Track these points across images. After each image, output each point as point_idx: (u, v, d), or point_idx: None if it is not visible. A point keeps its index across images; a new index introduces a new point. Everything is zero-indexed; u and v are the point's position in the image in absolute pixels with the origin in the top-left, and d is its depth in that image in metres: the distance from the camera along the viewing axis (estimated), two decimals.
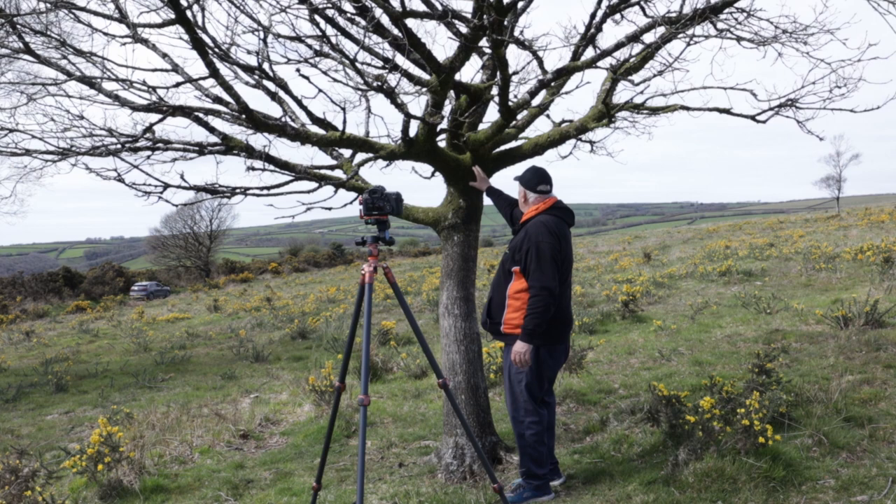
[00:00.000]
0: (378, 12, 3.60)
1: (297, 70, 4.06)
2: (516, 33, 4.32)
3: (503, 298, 4.19)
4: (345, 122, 3.94)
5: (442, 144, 4.77)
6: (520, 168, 4.67)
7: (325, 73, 4.31)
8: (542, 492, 4.15)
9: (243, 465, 5.49)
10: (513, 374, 4.15)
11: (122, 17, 4.21)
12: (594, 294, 13.93)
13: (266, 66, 3.95)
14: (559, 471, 4.45)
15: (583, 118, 4.95)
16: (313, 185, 4.97)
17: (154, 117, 4.49)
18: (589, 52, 4.82)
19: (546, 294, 3.95)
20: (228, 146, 4.64)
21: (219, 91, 4.14)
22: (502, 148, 4.95)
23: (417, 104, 8.59)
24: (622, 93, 5.16)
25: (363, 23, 3.81)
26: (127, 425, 6.68)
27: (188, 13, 3.44)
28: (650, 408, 5.11)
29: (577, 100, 6.07)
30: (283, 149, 57.63)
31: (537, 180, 4.25)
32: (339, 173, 5.18)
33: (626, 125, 5.69)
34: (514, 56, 31.29)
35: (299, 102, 4.32)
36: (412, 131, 4.34)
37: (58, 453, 6.24)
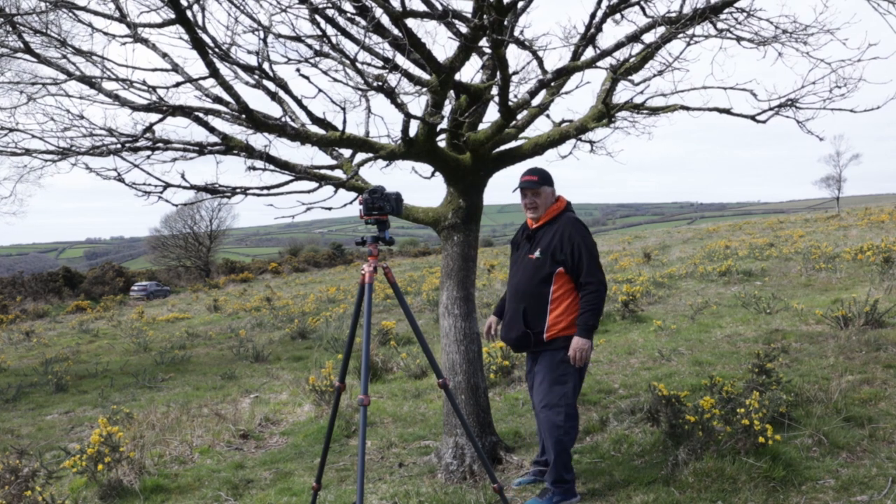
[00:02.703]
0: (378, 12, 3.60)
1: (297, 70, 4.06)
2: (516, 33, 4.32)
3: (543, 304, 4.05)
4: (345, 122, 3.93)
5: (442, 144, 4.77)
6: (520, 168, 4.66)
7: (325, 73, 4.31)
8: (570, 494, 4.09)
9: (243, 465, 5.49)
10: (556, 377, 4.02)
11: (122, 17, 4.21)
12: None
13: (266, 66, 3.95)
14: None
15: (583, 118, 4.95)
16: (313, 185, 4.97)
17: (154, 117, 4.49)
18: (589, 52, 4.82)
19: (603, 289, 3.98)
20: (228, 146, 4.64)
21: (219, 91, 4.14)
22: (502, 148, 4.95)
23: (417, 104, 8.59)
24: (622, 93, 5.17)
25: (363, 23, 3.81)
26: (127, 425, 6.68)
27: (188, 13, 3.44)
28: (650, 408, 5.11)
29: (577, 100, 6.07)
30: (283, 149, 57.62)
31: (549, 176, 4.23)
32: (339, 173, 5.18)
33: (626, 125, 5.70)
34: (514, 56, 31.30)
35: (299, 102, 4.31)
36: (412, 131, 4.34)
37: (58, 453, 6.23)
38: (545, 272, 4.04)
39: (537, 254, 4.10)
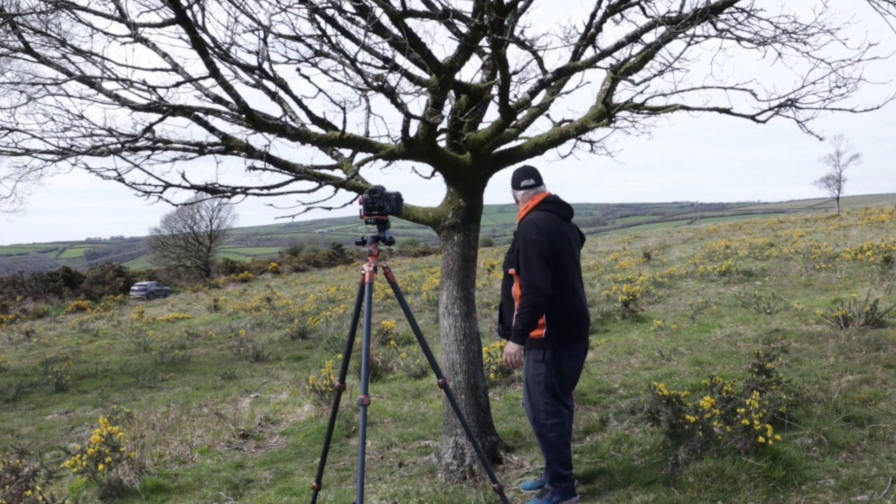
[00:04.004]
0: (378, 12, 3.60)
1: (297, 70, 4.06)
2: (516, 33, 4.32)
3: (510, 302, 4.13)
4: (345, 121, 3.94)
5: (442, 144, 4.77)
6: None
7: (325, 72, 4.31)
8: (569, 494, 4.09)
9: (243, 465, 5.49)
10: (531, 377, 4.06)
11: (122, 17, 4.20)
12: (594, 294, 13.93)
13: (266, 65, 3.95)
14: None
15: (583, 118, 4.95)
16: (313, 184, 4.97)
17: (154, 117, 4.49)
18: (589, 52, 4.82)
19: (534, 293, 3.84)
20: (228, 146, 4.64)
21: (219, 91, 4.14)
22: (502, 148, 4.95)
23: (417, 104, 8.59)
24: (622, 93, 5.18)
25: (363, 22, 3.81)
26: (127, 425, 6.68)
27: (188, 13, 3.44)
28: (650, 408, 5.11)
29: (577, 100, 6.08)
30: (283, 149, 57.64)
31: (519, 176, 4.20)
32: (339, 173, 5.18)
33: (626, 125, 5.70)
34: (514, 56, 31.30)
35: (299, 102, 4.32)
36: (412, 131, 4.34)
37: (58, 453, 6.24)
38: (506, 271, 4.16)
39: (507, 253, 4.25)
